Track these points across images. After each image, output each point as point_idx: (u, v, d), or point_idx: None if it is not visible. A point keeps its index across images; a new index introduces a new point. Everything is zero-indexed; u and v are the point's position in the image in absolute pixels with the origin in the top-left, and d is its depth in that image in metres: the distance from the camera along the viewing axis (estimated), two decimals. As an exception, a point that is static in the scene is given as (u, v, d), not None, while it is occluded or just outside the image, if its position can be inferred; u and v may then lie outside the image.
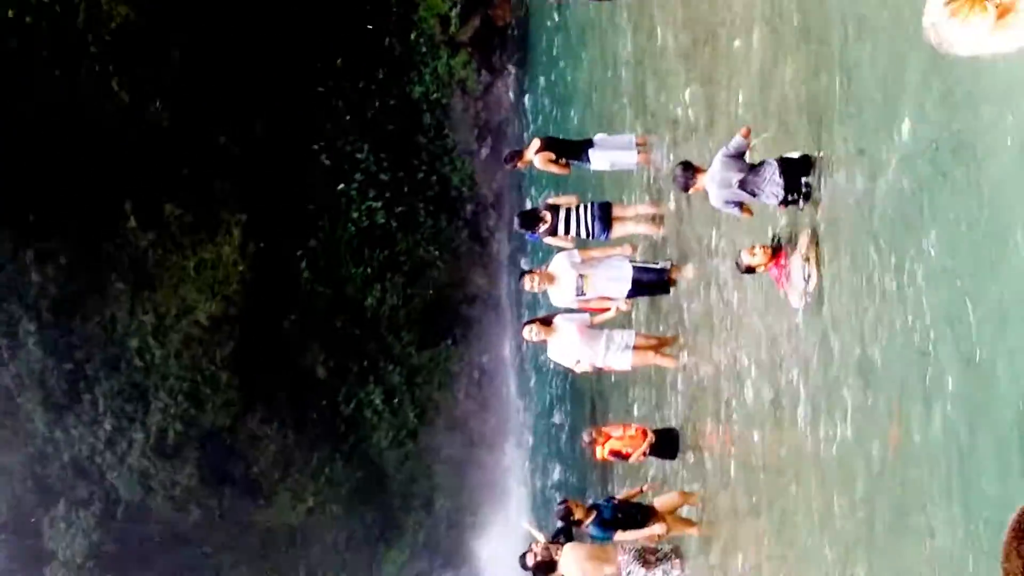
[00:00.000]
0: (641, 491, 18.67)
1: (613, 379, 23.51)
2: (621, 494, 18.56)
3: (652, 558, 17.70)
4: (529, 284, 18.82)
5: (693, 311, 17.94)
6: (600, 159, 20.10)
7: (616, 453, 18.90)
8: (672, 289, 18.59)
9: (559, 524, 18.86)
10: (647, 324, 20.65)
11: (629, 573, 17.58)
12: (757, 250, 13.32)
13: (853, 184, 11.45)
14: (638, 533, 17.54)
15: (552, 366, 27.35)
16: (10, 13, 33.63)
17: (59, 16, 34.34)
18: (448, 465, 40.24)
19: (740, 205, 13.46)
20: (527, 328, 18.67)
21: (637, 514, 17.45)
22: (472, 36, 37.75)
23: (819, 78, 12.54)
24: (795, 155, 12.65)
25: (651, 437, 18.68)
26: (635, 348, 18.36)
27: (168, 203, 35.80)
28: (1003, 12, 5.15)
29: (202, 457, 38.83)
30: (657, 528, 17.46)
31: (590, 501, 19.63)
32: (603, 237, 19.29)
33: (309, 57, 36.75)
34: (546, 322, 18.48)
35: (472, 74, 38.21)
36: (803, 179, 12.47)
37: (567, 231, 19.06)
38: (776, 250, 13.26)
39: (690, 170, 13.90)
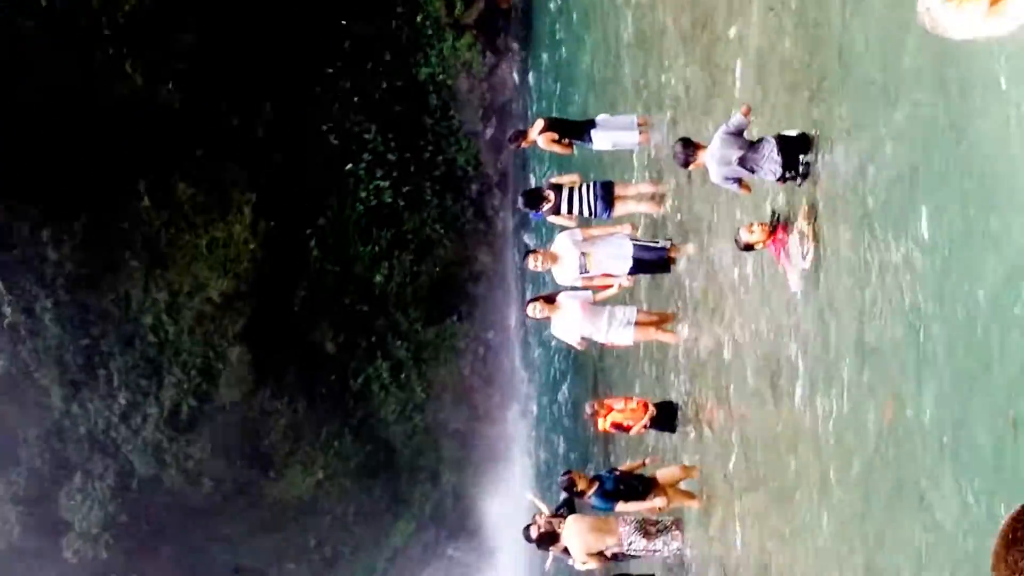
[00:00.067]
0: (643, 464, 18.67)
1: (615, 354, 23.52)
2: (623, 466, 18.56)
3: (653, 529, 17.72)
4: (533, 263, 18.84)
5: (693, 288, 17.93)
6: (602, 139, 20.07)
7: (617, 425, 18.91)
8: (672, 267, 18.59)
9: (562, 496, 18.88)
10: (648, 301, 20.64)
11: (630, 544, 17.60)
12: (755, 228, 13.31)
13: (849, 162, 11.43)
14: (639, 505, 17.55)
15: (555, 342, 27.38)
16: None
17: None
18: (454, 438, 40.31)
19: (739, 181, 13.46)
20: (531, 306, 18.68)
21: (639, 486, 17.44)
22: (477, 18, 37.71)
23: (816, 59, 12.51)
24: (793, 133, 12.63)
25: (652, 410, 18.68)
26: (637, 324, 18.35)
27: (181, 183, 35.80)
28: (995, -1, 5.15)
29: (214, 431, 38.89)
30: (658, 501, 17.46)
31: (592, 472, 19.64)
32: (605, 216, 19.27)
33: (317, 40, 36.70)
34: (549, 300, 18.49)
35: (477, 56, 38.15)
36: (800, 157, 12.45)
37: (570, 210, 19.05)
38: (774, 227, 13.24)
39: (690, 147, 13.87)
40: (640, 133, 20.18)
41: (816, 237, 12.33)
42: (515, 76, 38.39)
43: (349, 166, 37.89)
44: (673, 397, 19.07)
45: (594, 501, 17.66)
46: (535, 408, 37.02)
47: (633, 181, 21.34)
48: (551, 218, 19.63)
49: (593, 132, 20.01)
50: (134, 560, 38.83)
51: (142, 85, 35.18)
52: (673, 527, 17.80)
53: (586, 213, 19.08)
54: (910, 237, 9.94)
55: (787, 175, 12.55)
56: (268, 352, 38.42)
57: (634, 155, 21.74)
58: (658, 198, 19.95)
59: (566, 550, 18.19)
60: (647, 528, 17.72)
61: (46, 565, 38.47)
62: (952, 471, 9.16)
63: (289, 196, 37.30)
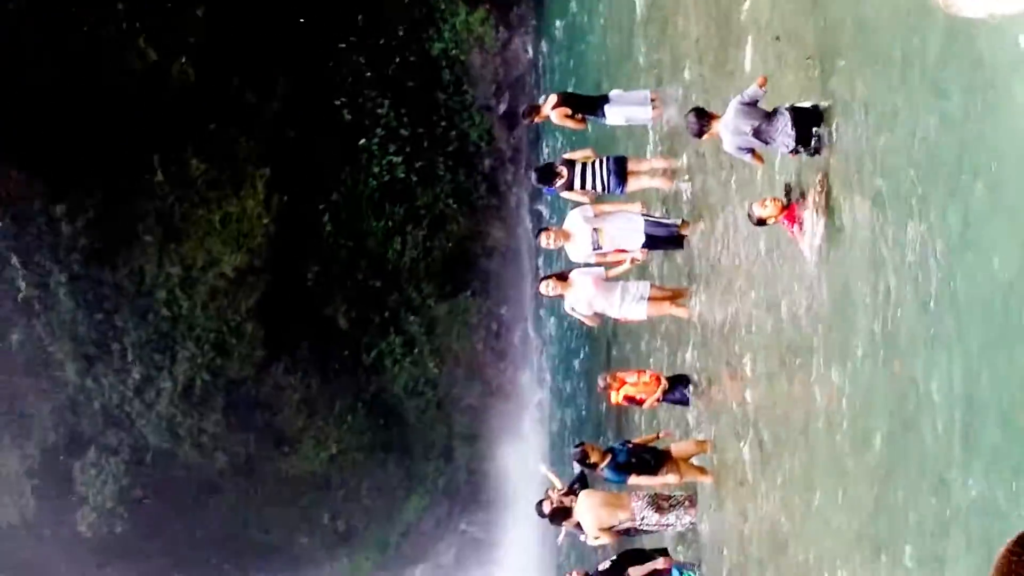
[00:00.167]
0: (657, 437, 18.68)
1: (629, 329, 23.53)
2: (637, 439, 18.57)
3: (665, 504, 17.73)
4: (546, 241, 18.87)
5: (707, 263, 17.91)
6: (615, 114, 20.06)
7: (630, 399, 18.89)
8: (685, 242, 18.57)
9: (575, 471, 18.90)
10: (661, 276, 20.64)
11: (643, 519, 17.61)
12: (768, 202, 13.27)
13: (863, 136, 11.40)
14: (651, 480, 17.54)
15: (568, 318, 27.40)
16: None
17: (87, -26, 34.42)
18: (467, 413, 40.37)
19: (752, 152, 13.44)
20: (543, 283, 18.72)
21: (651, 459, 17.41)
22: (490, -8, 37.74)
23: (831, 32, 12.48)
24: (807, 105, 12.60)
25: (665, 384, 18.67)
26: (650, 299, 18.37)
27: (194, 158, 35.81)
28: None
29: (228, 405, 38.98)
30: (670, 477, 17.45)
31: (606, 445, 19.65)
32: (618, 191, 19.26)
33: (331, 14, 36.67)
34: (562, 277, 18.53)
35: (490, 31, 38.09)
36: (814, 129, 12.43)
37: (583, 185, 19.04)
38: (787, 202, 13.22)
39: (704, 117, 13.84)
40: (653, 108, 20.17)
41: (829, 211, 12.31)
42: (528, 51, 38.32)
43: (362, 141, 37.88)
44: (687, 371, 19.07)
45: (607, 473, 17.65)
46: (548, 382, 37.07)
47: (647, 156, 21.31)
48: (564, 194, 19.62)
49: (606, 107, 20.00)
50: (148, 534, 38.97)
51: (155, 60, 35.18)
52: (686, 502, 17.81)
53: (599, 188, 19.06)
54: (925, 212, 9.92)
55: (800, 148, 12.53)
56: (281, 327, 38.48)
57: (648, 130, 21.70)
58: (670, 173, 19.94)
59: (579, 525, 18.22)
60: (660, 503, 17.72)
61: (61, 539, 38.61)
62: (968, 450, 9.14)
63: (302, 171, 37.32)
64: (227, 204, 36.48)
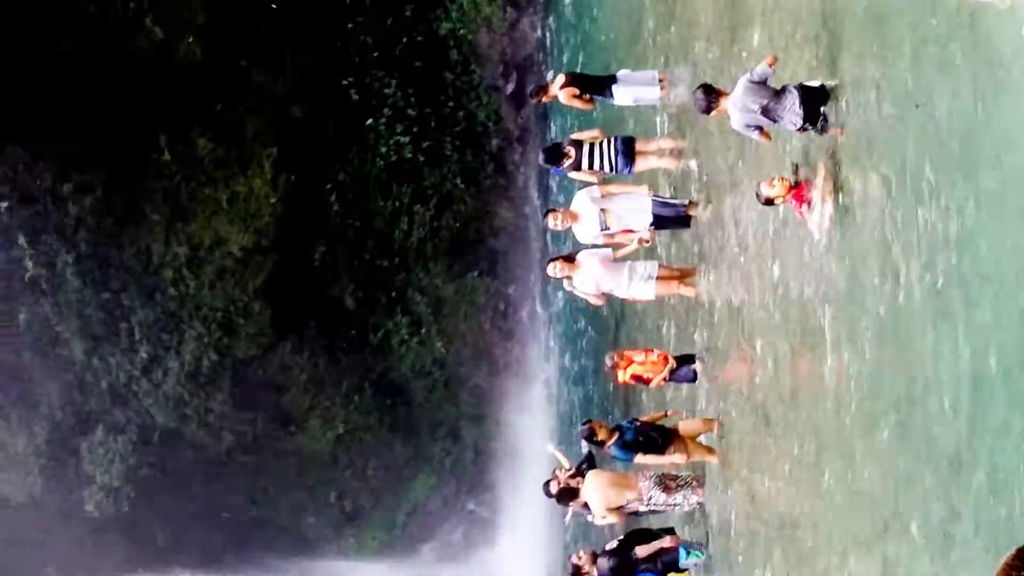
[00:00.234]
0: (665, 415, 18.70)
1: (636, 308, 23.54)
2: (645, 416, 18.60)
3: (672, 484, 17.75)
4: (553, 222, 18.90)
5: (714, 243, 17.91)
6: (623, 94, 20.05)
7: (637, 377, 18.91)
8: (693, 222, 18.58)
9: (583, 451, 18.92)
10: (669, 256, 20.64)
11: (650, 499, 17.63)
12: (776, 182, 13.30)
13: (872, 115, 11.41)
14: (658, 459, 17.56)
15: (576, 300, 27.42)
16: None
17: (93, -47, 34.42)
18: (474, 393, 40.39)
19: (759, 129, 13.43)
20: (551, 265, 18.75)
21: (658, 438, 17.45)
22: (498, -28, 37.70)
23: (839, 15, 12.49)
24: (815, 84, 12.62)
25: (672, 363, 18.70)
26: (658, 279, 18.40)
27: (201, 137, 35.83)
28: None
29: (235, 385, 39.03)
30: (677, 457, 17.49)
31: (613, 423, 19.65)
32: (626, 171, 19.27)
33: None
34: (569, 259, 18.56)
35: (498, 11, 38.07)
36: (821, 109, 12.45)
37: (591, 165, 19.04)
38: (795, 181, 13.24)
39: (712, 93, 13.84)
40: (661, 88, 20.16)
41: (838, 191, 12.32)
42: (536, 31, 38.30)
43: (369, 121, 37.86)
44: (694, 351, 19.08)
45: (614, 451, 17.67)
46: (556, 362, 37.09)
47: (655, 136, 21.30)
48: (572, 174, 19.62)
49: (614, 87, 19.99)
50: (155, 513, 39.07)
51: (163, 39, 35.18)
52: (693, 482, 17.84)
53: (607, 169, 19.07)
54: (935, 193, 9.93)
55: (807, 126, 12.55)
56: (288, 307, 38.51)
57: (656, 110, 21.69)
58: (677, 153, 19.95)
59: (586, 505, 18.24)
60: (667, 483, 17.75)
61: (68, 518, 38.72)
62: (975, 430, 9.15)
63: (310, 151, 37.32)
64: (234, 183, 36.50)
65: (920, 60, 10.28)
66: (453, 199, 38.81)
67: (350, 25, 37.45)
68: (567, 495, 18.56)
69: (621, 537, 18.25)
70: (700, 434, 17.81)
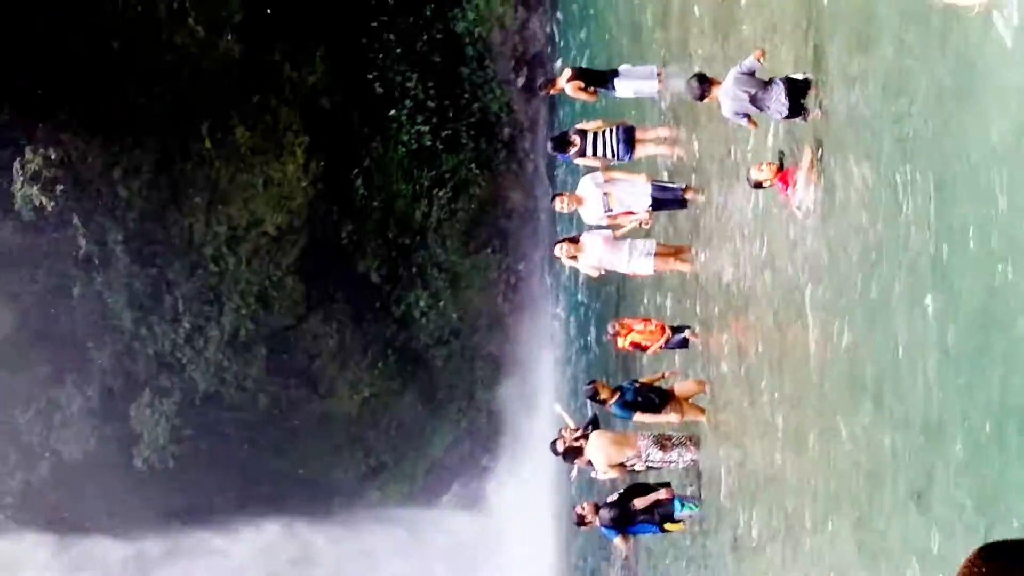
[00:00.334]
0: (663, 376, 18.71)
1: (637, 283, 23.53)
2: (644, 378, 18.62)
3: (668, 443, 17.78)
4: (559, 205, 18.89)
5: (708, 223, 17.89)
6: (624, 87, 20.06)
7: (636, 345, 18.91)
8: (689, 205, 18.56)
9: (588, 414, 18.95)
10: (666, 235, 20.62)
11: (648, 456, 17.65)
12: (764, 166, 13.31)
13: (855, 105, 11.38)
14: (655, 418, 17.63)
15: (581, 277, 27.44)
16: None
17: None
18: (487, 360, 40.43)
19: (748, 117, 13.43)
20: (557, 247, 18.78)
21: (655, 399, 17.50)
22: (510, -25, 37.70)
23: (824, 14, 12.46)
24: (799, 76, 12.62)
25: (668, 333, 18.70)
26: (656, 255, 18.38)
27: (239, 126, 35.84)
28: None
29: (270, 352, 39.11)
30: (672, 416, 17.54)
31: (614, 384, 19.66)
32: (627, 158, 19.25)
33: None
34: (574, 241, 18.56)
35: (510, 10, 38.10)
36: (802, 101, 12.46)
37: (595, 152, 19.02)
38: (781, 165, 13.23)
39: (705, 82, 13.85)
40: (659, 82, 20.15)
41: (821, 174, 12.30)
42: (545, 29, 38.31)
43: (392, 112, 37.87)
44: (688, 321, 19.08)
45: (614, 410, 17.72)
46: (562, 331, 37.09)
47: (653, 126, 21.26)
48: (578, 160, 19.61)
49: (616, 81, 20.00)
50: (198, 469, 39.17)
51: (204, 36, 35.19)
52: (688, 441, 17.85)
53: (610, 155, 19.04)
54: (913, 178, 9.91)
55: (792, 115, 12.56)
56: (319, 281, 38.59)
57: (654, 102, 21.65)
58: (673, 141, 19.93)
59: (590, 462, 18.28)
60: (663, 442, 17.78)
61: (118, 473, 38.83)
62: (965, 399, 9.11)
63: (338, 139, 37.37)
64: (269, 169, 36.52)
65: (898, 56, 10.25)
66: (468, 183, 38.81)
67: (374, 24, 37.46)
68: (572, 453, 18.59)
69: (621, 491, 18.30)
70: (693, 395, 17.84)
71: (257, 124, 36.14)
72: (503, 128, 39.26)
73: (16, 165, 34.60)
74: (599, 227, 18.68)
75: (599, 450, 17.84)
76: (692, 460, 17.84)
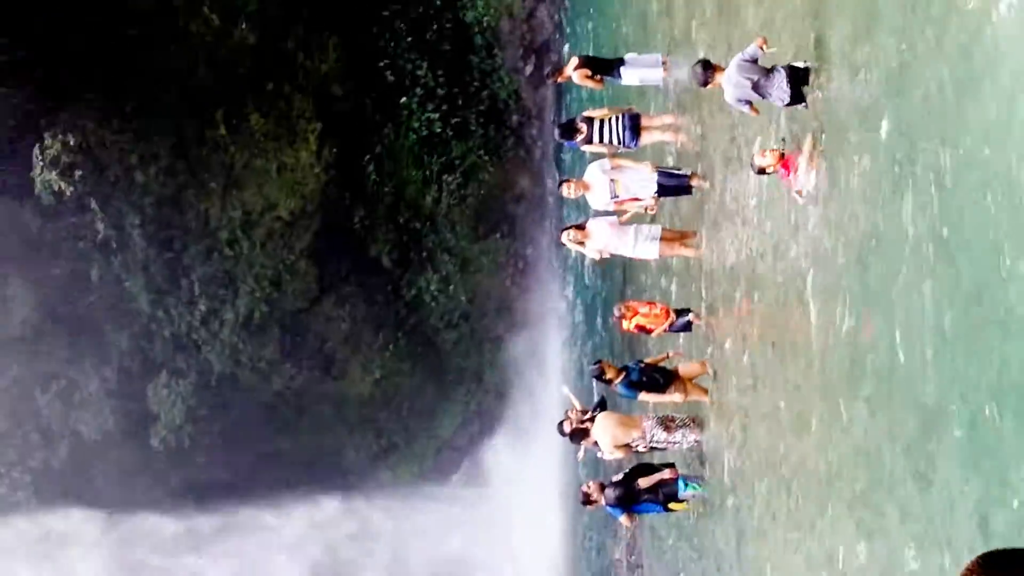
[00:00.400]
0: (667, 356, 18.70)
1: (642, 267, 23.51)
2: (649, 359, 18.62)
3: (672, 424, 17.78)
4: (567, 191, 18.86)
5: (712, 209, 17.86)
6: (630, 75, 20.05)
7: (641, 327, 18.89)
8: (693, 191, 18.52)
9: (595, 398, 18.96)
10: (671, 220, 20.59)
11: (653, 436, 17.66)
12: (767, 153, 13.27)
13: (854, 92, 11.34)
14: (659, 397, 17.65)
15: (587, 261, 27.39)
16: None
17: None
18: (496, 343, 40.42)
19: (749, 103, 13.40)
20: (564, 233, 18.76)
21: (660, 379, 17.52)
22: (517, -35, 37.66)
23: (826, 3, 12.42)
24: (801, 64, 12.58)
25: (673, 316, 18.67)
26: (662, 240, 18.34)
27: (254, 113, 35.83)
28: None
29: (283, 335, 39.13)
30: (676, 396, 17.56)
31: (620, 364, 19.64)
32: (633, 145, 19.21)
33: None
34: (580, 227, 18.53)
35: (518, 1, 38.05)
36: (803, 88, 12.43)
37: (601, 139, 18.99)
38: (783, 151, 13.20)
39: (709, 68, 13.85)
40: (664, 70, 20.12)
41: (822, 160, 12.27)
42: (552, 18, 38.26)
43: (403, 99, 37.84)
44: (692, 305, 19.05)
45: (620, 389, 17.73)
46: (569, 313, 37.09)
47: (658, 113, 21.22)
48: (584, 147, 19.59)
49: (622, 69, 20.00)
50: (213, 448, 39.24)
51: (219, 25, 35.18)
52: (691, 423, 17.86)
53: (615, 142, 19.01)
54: (911, 163, 9.87)
55: (793, 102, 12.53)
56: (331, 265, 38.59)
57: (659, 89, 21.61)
58: (677, 128, 19.89)
59: (596, 443, 18.29)
60: (667, 423, 17.79)
61: (136, 452, 38.92)
62: (964, 382, 9.07)
63: (350, 126, 37.35)
64: (283, 155, 36.50)
65: (898, 44, 10.20)
66: (478, 169, 38.79)
67: (385, 13, 37.45)
68: (579, 434, 18.61)
69: (626, 470, 18.31)
70: (697, 376, 17.83)
71: (271, 111, 36.13)
72: (511, 115, 39.23)
73: (36, 151, 34.62)
74: (606, 212, 18.64)
75: (605, 431, 17.86)
76: (695, 441, 17.83)
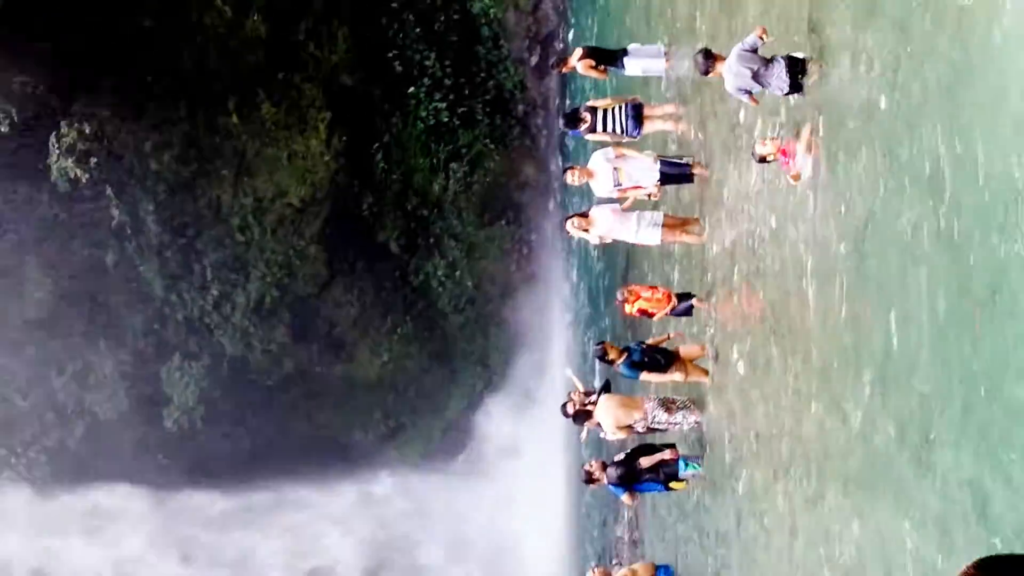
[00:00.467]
0: (668, 337, 18.71)
1: (644, 252, 23.51)
2: (650, 340, 18.63)
3: (673, 406, 17.81)
4: (571, 178, 18.82)
5: (713, 196, 17.86)
6: (633, 66, 20.04)
7: (643, 312, 18.86)
8: (695, 179, 18.51)
9: (600, 382, 18.97)
10: (673, 208, 20.58)
11: (654, 418, 17.70)
12: (768, 141, 13.29)
13: (852, 82, 11.34)
14: (661, 377, 17.67)
15: (591, 247, 27.38)
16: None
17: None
18: (501, 327, 40.43)
19: (749, 93, 13.40)
20: (568, 222, 18.71)
21: (661, 360, 17.52)
22: (524, -42, 37.62)
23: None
24: (799, 55, 12.59)
25: (674, 301, 18.67)
26: (664, 226, 18.33)
27: (265, 102, 35.84)
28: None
29: (294, 319, 39.17)
30: (677, 376, 17.59)
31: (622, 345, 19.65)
32: (636, 134, 19.21)
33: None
34: (584, 215, 18.51)
35: (524, -8, 38.16)
36: (801, 77, 12.44)
37: (605, 129, 18.99)
38: (783, 139, 13.20)
39: (710, 57, 13.86)
40: (666, 60, 20.10)
41: (820, 148, 12.27)
42: (557, 9, 38.23)
43: (411, 89, 37.82)
44: (693, 289, 19.05)
45: (622, 370, 17.75)
46: (573, 298, 37.10)
47: (660, 103, 21.20)
48: (588, 136, 19.59)
49: (625, 59, 19.99)
50: (224, 429, 39.30)
51: (231, 16, 35.18)
52: (691, 404, 17.88)
53: (619, 131, 19.01)
54: (910, 150, 9.87)
55: (792, 91, 12.54)
56: (340, 251, 38.63)
57: (662, 79, 21.59)
58: (679, 117, 19.89)
59: (599, 424, 18.32)
60: (668, 405, 17.82)
61: (149, 433, 39.00)
62: (961, 365, 9.08)
63: (359, 115, 37.37)
64: (293, 143, 36.51)
65: (896, 34, 10.19)
66: (484, 157, 38.78)
67: (394, 5, 37.43)
68: (582, 416, 18.65)
69: (628, 451, 18.35)
70: (697, 357, 17.84)
71: (282, 100, 36.14)
72: (517, 105, 39.23)
73: (52, 139, 34.66)
74: (609, 200, 18.64)
75: (607, 412, 17.89)
76: (696, 422, 17.86)
